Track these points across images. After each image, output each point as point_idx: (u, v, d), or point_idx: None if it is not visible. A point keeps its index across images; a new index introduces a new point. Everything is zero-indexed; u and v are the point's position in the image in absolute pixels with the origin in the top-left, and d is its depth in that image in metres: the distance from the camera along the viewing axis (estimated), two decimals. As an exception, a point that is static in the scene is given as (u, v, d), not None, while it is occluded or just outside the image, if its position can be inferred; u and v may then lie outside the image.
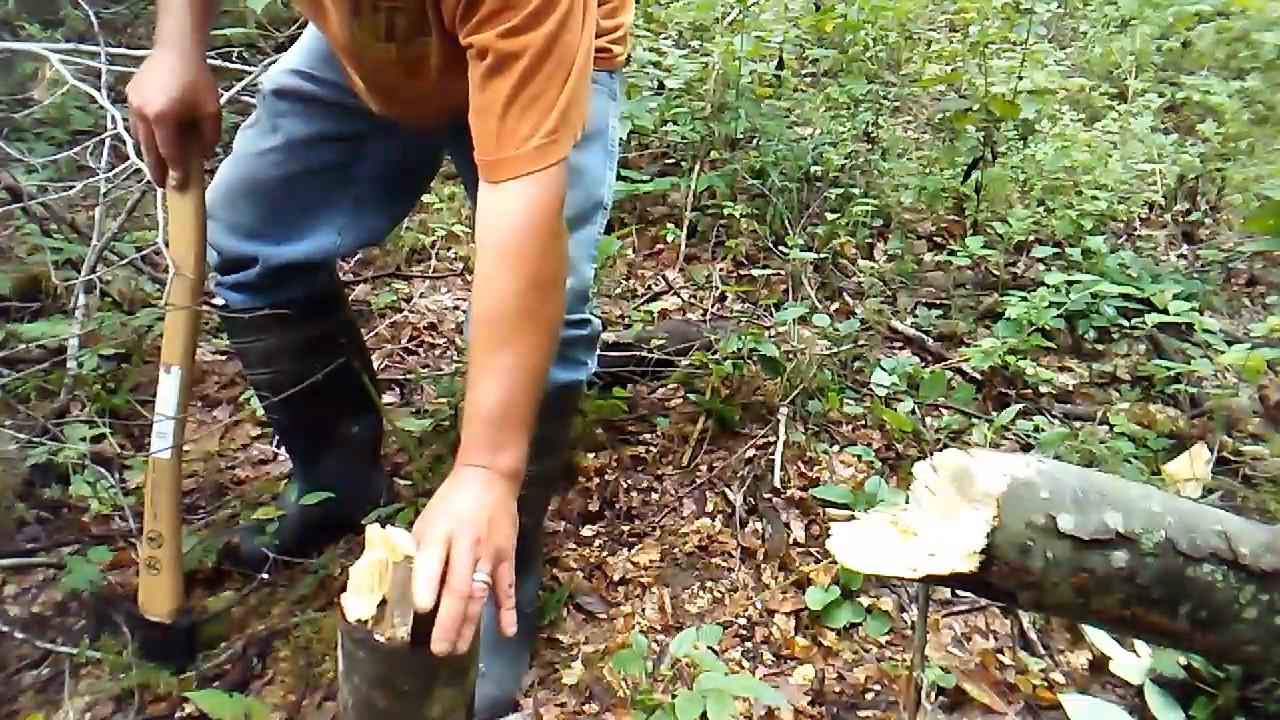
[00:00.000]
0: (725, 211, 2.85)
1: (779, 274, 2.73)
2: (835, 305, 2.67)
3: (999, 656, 1.59)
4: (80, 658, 1.43)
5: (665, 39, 3.85)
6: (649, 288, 2.72)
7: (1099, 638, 1.57)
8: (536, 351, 1.10)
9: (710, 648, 1.53)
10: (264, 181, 1.44)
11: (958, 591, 1.56)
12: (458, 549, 0.97)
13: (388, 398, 2.09)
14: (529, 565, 1.55)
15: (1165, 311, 2.27)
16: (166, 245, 1.37)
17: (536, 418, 1.12)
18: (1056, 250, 2.84)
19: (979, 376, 2.35)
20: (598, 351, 1.52)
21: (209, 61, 1.42)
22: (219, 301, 1.56)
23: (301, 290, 1.54)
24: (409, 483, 1.85)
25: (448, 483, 1.07)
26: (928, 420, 2.13)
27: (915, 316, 2.66)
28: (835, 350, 2.31)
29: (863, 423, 2.15)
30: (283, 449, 1.92)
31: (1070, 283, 2.44)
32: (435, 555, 0.95)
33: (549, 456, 1.45)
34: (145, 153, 1.33)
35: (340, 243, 1.53)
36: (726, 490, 1.93)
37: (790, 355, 2.20)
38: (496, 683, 1.45)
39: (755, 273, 2.71)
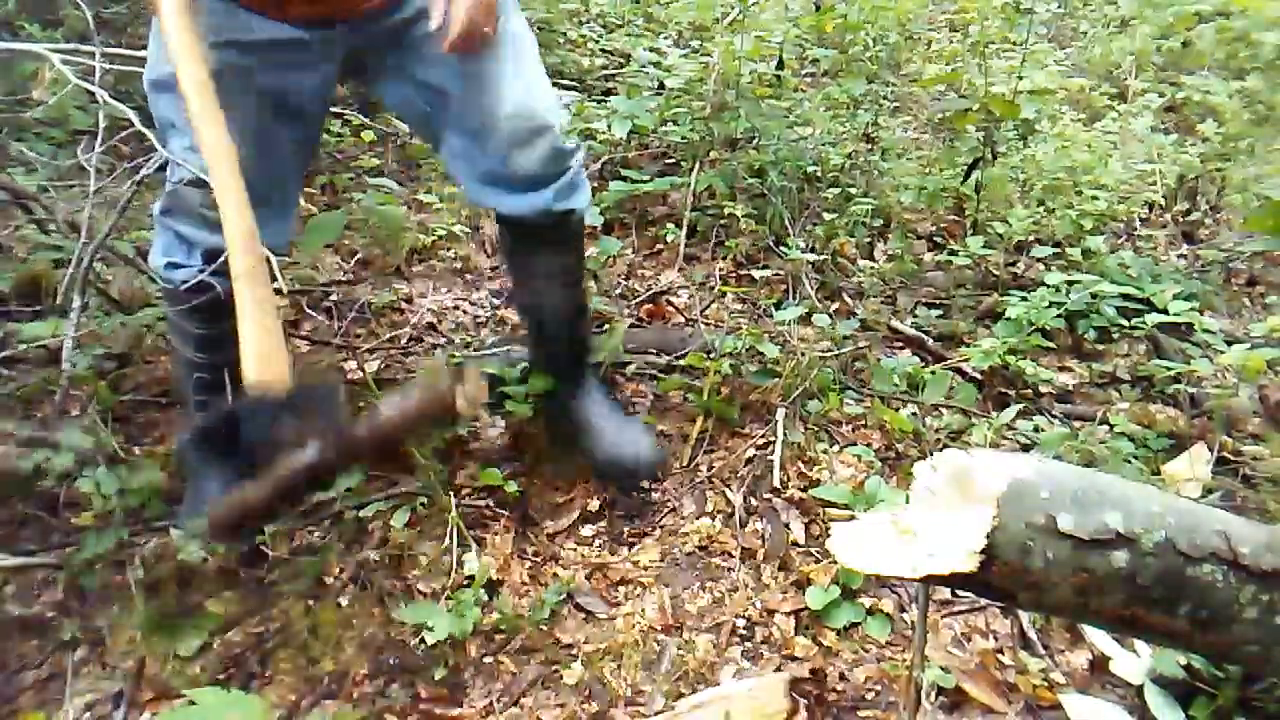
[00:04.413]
0: (725, 211, 2.85)
1: (779, 274, 2.73)
2: (835, 305, 2.67)
3: (999, 656, 1.59)
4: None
5: (665, 39, 3.85)
6: (649, 287, 2.72)
7: (1099, 638, 1.57)
8: None
9: (711, 646, 1.53)
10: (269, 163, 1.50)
11: (958, 591, 1.56)
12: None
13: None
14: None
15: (1165, 311, 2.27)
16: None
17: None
18: (1056, 250, 2.83)
19: (979, 376, 2.35)
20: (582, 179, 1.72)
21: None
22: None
23: None
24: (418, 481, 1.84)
25: None
26: (928, 420, 2.13)
27: (915, 316, 2.66)
28: (836, 351, 2.31)
29: (863, 423, 2.15)
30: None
31: (1070, 283, 2.43)
32: None
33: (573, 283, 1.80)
34: None
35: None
36: (726, 490, 1.93)
37: (790, 354, 2.20)
38: (635, 444, 1.82)
39: (755, 273, 2.71)
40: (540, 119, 1.58)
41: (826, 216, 2.87)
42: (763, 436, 2.04)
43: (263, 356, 1.24)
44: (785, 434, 2.00)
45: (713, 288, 2.69)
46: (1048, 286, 2.42)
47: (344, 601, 1.60)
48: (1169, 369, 2.26)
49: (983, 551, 0.96)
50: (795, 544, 1.80)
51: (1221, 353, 2.17)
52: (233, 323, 1.48)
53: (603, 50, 3.85)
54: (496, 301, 2.66)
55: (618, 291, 2.68)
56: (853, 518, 1.25)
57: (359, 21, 1.49)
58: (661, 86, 3.22)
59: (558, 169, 1.65)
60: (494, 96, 1.54)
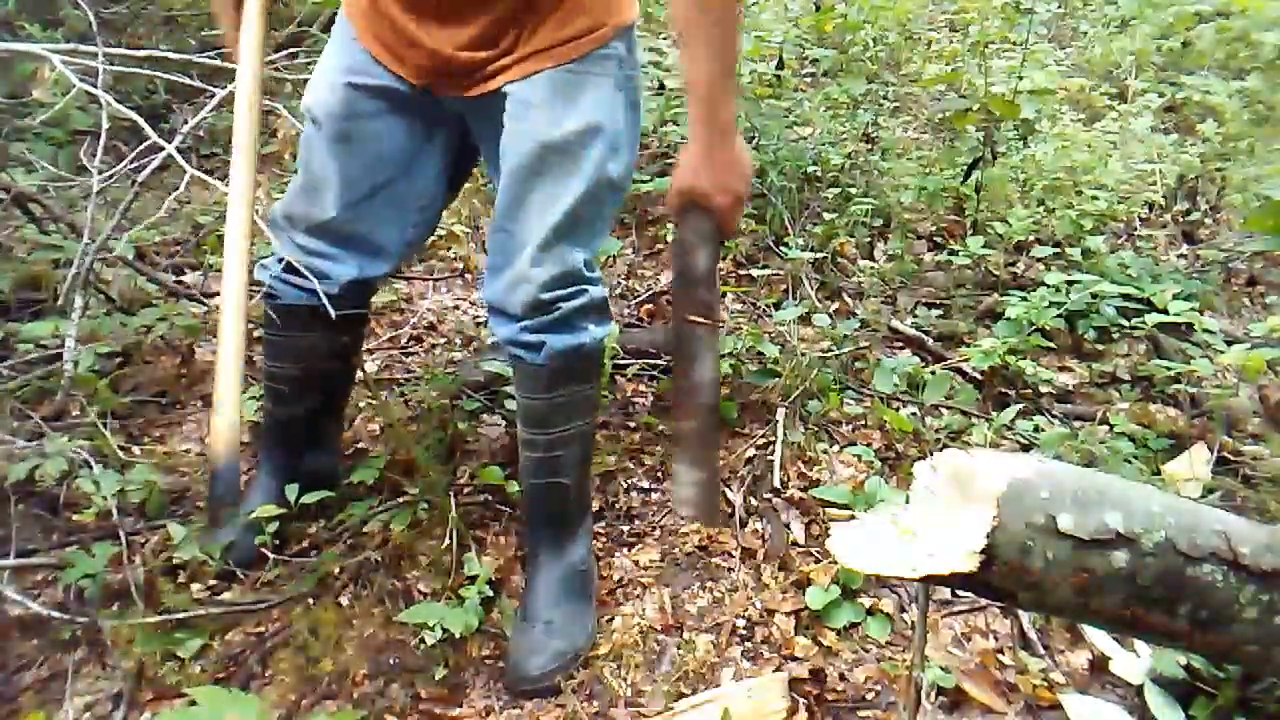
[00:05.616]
0: (725, 211, 2.85)
1: (779, 274, 2.73)
2: (835, 305, 2.67)
3: (999, 656, 1.59)
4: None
5: (665, 39, 3.85)
6: (649, 287, 2.72)
7: (1099, 638, 1.57)
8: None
9: (711, 646, 1.53)
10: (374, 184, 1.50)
11: (958, 591, 1.56)
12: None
13: (387, 397, 2.09)
14: (576, 523, 1.64)
15: (1165, 311, 2.27)
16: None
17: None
18: (1056, 250, 2.84)
19: (979, 376, 2.35)
20: (605, 317, 1.58)
21: (211, 62, 1.43)
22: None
23: (362, 296, 1.62)
24: (413, 487, 1.84)
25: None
26: (928, 420, 2.13)
27: (915, 316, 2.66)
28: (836, 351, 2.31)
29: (863, 423, 2.15)
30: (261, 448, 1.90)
31: (1070, 283, 2.44)
32: None
33: (576, 418, 1.56)
34: None
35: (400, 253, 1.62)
36: (726, 490, 1.93)
37: (790, 354, 2.20)
38: (564, 635, 1.52)
39: (755, 273, 2.70)
40: (525, 274, 1.43)
41: (826, 216, 2.87)
42: (763, 436, 2.04)
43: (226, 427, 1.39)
44: (785, 434, 2.00)
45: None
46: (1048, 286, 2.43)
47: (344, 601, 1.60)
48: (1169, 369, 2.26)
49: (983, 551, 0.96)
50: (795, 544, 1.80)
51: (1221, 353, 2.17)
52: (297, 333, 1.58)
53: (603, 50, 3.85)
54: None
55: (618, 291, 2.68)
56: (853, 518, 1.24)
57: (461, 97, 1.44)
58: (662, 86, 3.22)
59: (592, 316, 1.54)
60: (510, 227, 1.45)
